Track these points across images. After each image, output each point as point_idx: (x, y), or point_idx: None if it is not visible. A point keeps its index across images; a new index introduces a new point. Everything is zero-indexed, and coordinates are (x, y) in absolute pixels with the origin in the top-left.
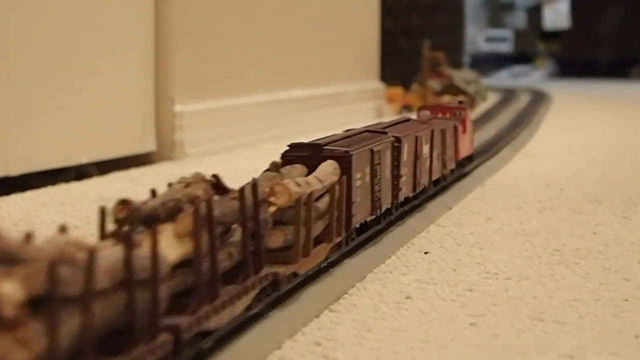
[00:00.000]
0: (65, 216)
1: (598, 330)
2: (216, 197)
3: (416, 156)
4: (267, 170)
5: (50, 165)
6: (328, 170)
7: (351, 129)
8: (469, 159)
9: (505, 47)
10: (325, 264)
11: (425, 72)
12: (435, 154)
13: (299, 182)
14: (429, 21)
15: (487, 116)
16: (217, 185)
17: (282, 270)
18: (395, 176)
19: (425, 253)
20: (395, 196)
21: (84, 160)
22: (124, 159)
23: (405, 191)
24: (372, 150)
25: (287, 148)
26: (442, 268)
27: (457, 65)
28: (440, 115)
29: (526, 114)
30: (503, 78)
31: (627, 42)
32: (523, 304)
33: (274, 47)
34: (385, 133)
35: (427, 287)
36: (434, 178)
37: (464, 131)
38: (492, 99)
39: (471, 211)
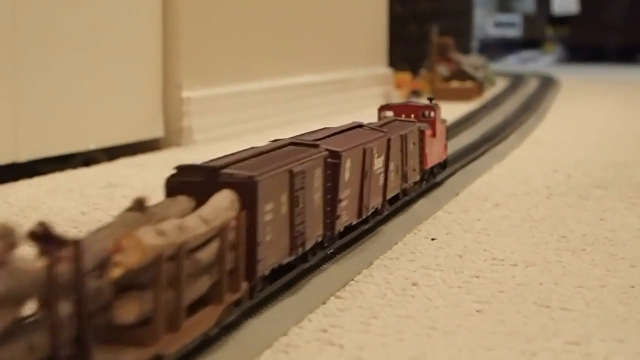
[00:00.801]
0: (73, 202)
1: (604, 317)
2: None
3: (364, 173)
4: (129, 209)
5: (58, 151)
6: (220, 204)
7: (276, 140)
8: (442, 165)
9: (514, 32)
10: (216, 330)
11: (434, 58)
12: (392, 167)
13: (164, 230)
14: (438, 6)
15: (495, 102)
16: (44, 238)
17: (132, 356)
18: (331, 201)
19: (432, 239)
20: (329, 226)
21: (91, 146)
22: (131, 145)
23: (347, 218)
24: (291, 172)
25: (174, 172)
26: (448, 254)
27: (465, 50)
28: (404, 116)
29: (534, 100)
30: (511, 63)
31: (635, 28)
32: (529, 291)
33: (282, 32)
34: (316, 146)
35: (434, 273)
36: (390, 196)
37: (434, 135)
38: (500, 84)
39: (478, 197)
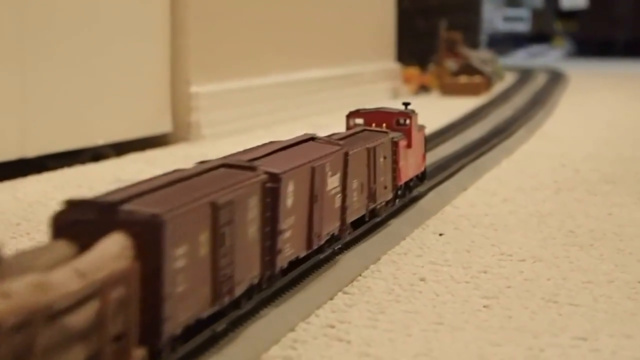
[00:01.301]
0: None
1: (612, 313)
2: None
3: (313, 196)
4: None
5: (66, 147)
6: (106, 252)
7: (204, 162)
8: (420, 177)
9: (523, 27)
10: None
11: (442, 52)
12: (355, 186)
13: (11, 290)
14: (446, 1)
15: (504, 96)
16: None
17: None
18: (270, 234)
19: (440, 235)
20: (268, 264)
21: (100, 141)
22: (140, 141)
23: (291, 252)
24: (214, 204)
25: (62, 207)
26: (456, 250)
27: (474, 45)
28: (374, 125)
29: (543, 94)
30: (520, 58)
31: None
32: (537, 286)
33: (290, 27)
34: (253, 169)
35: (441, 269)
36: (352, 218)
37: (409, 145)
38: (509, 78)
39: (487, 192)
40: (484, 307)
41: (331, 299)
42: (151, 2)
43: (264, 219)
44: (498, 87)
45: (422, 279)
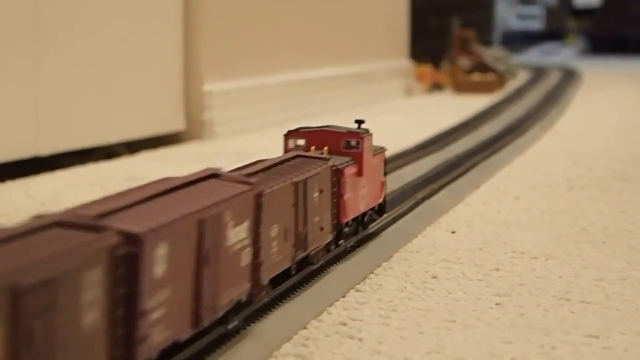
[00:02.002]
0: (94, 196)
1: (624, 310)
2: None
3: (202, 257)
4: None
5: (79, 145)
6: None
7: (39, 217)
8: (378, 211)
9: (536, 25)
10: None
11: (455, 50)
12: (274, 233)
13: None
14: None
15: (517, 94)
16: None
17: None
18: (125, 319)
19: (452, 232)
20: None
21: (113, 139)
22: (153, 139)
23: (164, 337)
24: (14, 289)
25: None
26: (468, 247)
27: (487, 43)
28: (313, 149)
29: (556, 92)
30: (533, 55)
31: None
32: (549, 284)
33: (303, 25)
34: (97, 229)
35: (454, 266)
36: (272, 275)
37: (360, 173)
38: (522, 76)
39: (499, 190)
40: (496, 304)
41: (343, 296)
42: (164, 1)
43: (114, 299)
44: (511, 85)
45: (434, 277)
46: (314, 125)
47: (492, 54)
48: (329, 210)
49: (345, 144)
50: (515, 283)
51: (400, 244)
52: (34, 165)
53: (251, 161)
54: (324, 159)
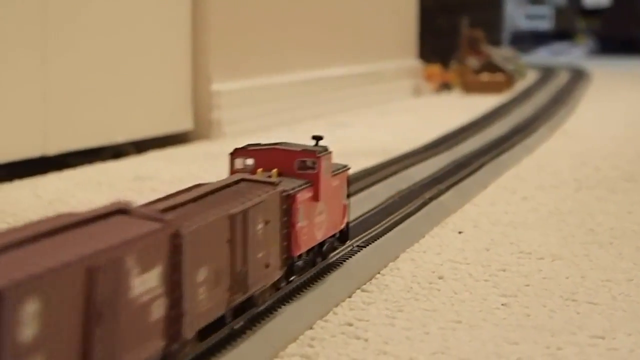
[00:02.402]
0: (102, 195)
1: (630, 311)
2: None
3: (93, 314)
4: None
5: (87, 144)
6: None
7: None
8: (340, 238)
9: (545, 25)
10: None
11: (464, 50)
12: (202, 277)
13: None
14: None
15: (526, 94)
16: None
17: None
18: None
19: (459, 233)
20: None
21: (121, 139)
22: (161, 138)
23: None
24: None
25: None
26: (475, 248)
27: (496, 42)
28: (260, 171)
29: (565, 92)
30: (542, 55)
31: None
32: (556, 284)
33: (311, 25)
34: None
35: (460, 267)
36: (199, 327)
37: (316, 198)
38: (531, 76)
39: (507, 190)
40: (502, 305)
41: (349, 296)
42: (173, 0)
43: None
44: (520, 85)
45: (441, 277)
46: (264, 142)
47: (501, 53)
48: (278, 244)
49: (300, 164)
50: (521, 284)
51: (407, 244)
52: (41, 165)
53: (188, 186)
54: (272, 183)
